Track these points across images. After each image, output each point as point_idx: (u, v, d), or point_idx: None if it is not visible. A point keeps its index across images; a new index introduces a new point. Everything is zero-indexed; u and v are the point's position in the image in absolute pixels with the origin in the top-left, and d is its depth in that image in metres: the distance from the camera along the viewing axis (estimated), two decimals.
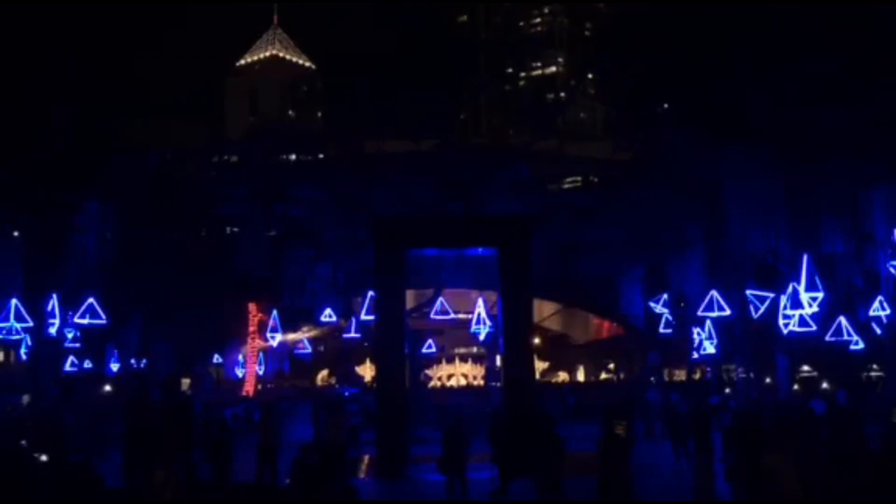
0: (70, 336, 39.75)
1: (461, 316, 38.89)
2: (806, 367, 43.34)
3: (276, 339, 43.72)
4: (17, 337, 35.32)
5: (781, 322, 31.04)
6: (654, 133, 30.62)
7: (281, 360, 48.81)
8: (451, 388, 49.53)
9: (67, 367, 42.84)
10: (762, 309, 32.37)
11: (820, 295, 28.14)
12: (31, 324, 33.53)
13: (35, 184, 34.85)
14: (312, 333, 47.65)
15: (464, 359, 52.37)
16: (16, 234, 36.31)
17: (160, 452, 14.55)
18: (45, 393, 35.55)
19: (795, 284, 28.57)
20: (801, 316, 29.30)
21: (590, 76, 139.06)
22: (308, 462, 13.57)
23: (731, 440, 14.56)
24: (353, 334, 36.25)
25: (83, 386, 41.17)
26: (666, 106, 30.10)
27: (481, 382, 46.58)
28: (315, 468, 13.38)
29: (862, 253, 29.45)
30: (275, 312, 41.77)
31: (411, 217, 29.05)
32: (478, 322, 37.79)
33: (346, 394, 37.01)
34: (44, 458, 16.16)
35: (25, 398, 36.85)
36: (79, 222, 36.57)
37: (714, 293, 31.78)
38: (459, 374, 52.15)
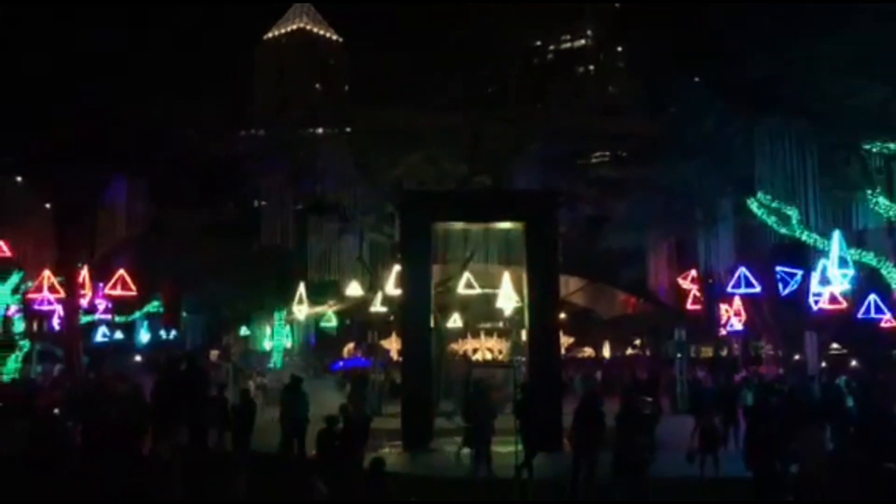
0: (102, 307, 40.37)
1: (487, 290, 38.82)
2: (835, 345, 42.89)
3: (304, 313, 43.98)
4: (49, 307, 35.94)
5: (812, 299, 30.67)
6: (685, 106, 30.19)
7: (307, 333, 49.15)
8: (477, 362, 49.63)
9: (98, 338, 43.53)
10: (792, 285, 32.02)
11: (851, 272, 27.73)
12: (63, 295, 34.05)
13: (66, 158, 35.21)
14: (338, 306, 47.87)
15: (489, 333, 52.42)
16: (48, 206, 36.76)
17: (170, 423, 14.83)
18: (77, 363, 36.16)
19: (825, 261, 28.19)
20: (830, 293, 28.93)
21: (619, 49, 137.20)
22: (334, 433, 13.72)
23: (756, 415, 14.52)
24: (379, 308, 36.36)
25: (113, 356, 41.81)
26: (697, 79, 29.66)
27: (506, 357, 46.68)
28: (341, 439, 13.52)
29: (894, 229, 28.93)
30: (301, 285, 41.98)
31: (438, 191, 28.99)
32: (504, 297, 37.68)
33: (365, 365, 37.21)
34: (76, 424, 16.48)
35: (58, 368, 37.54)
36: (109, 195, 36.93)
37: (743, 269, 31.45)
38: (485, 348, 52.22)
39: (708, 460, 15.40)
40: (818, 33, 23.76)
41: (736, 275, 31.39)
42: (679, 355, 32.48)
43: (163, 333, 48.15)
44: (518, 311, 32.82)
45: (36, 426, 15.58)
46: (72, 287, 34.97)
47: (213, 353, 49.17)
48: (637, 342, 55.95)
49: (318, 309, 46.31)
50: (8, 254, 33.12)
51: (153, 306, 46.39)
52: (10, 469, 14.04)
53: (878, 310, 29.42)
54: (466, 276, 32.95)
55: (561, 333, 26.66)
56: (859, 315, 29.86)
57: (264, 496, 10.43)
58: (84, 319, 39.31)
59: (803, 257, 31.08)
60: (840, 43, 23.61)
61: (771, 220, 28.41)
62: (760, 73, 25.42)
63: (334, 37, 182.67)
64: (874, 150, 26.69)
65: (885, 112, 24.82)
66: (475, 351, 50.74)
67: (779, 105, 25.47)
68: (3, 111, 34.62)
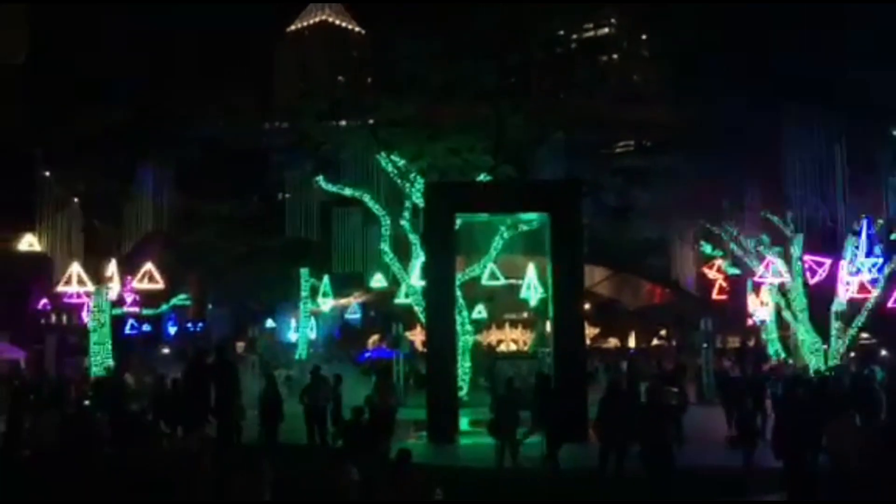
0: (129, 300, 40.81)
1: (512, 281, 38.78)
2: (864, 334, 42.35)
3: (328, 304, 44.21)
4: (78, 301, 36.38)
5: (840, 288, 30.34)
6: (710, 94, 29.90)
7: (332, 325, 49.43)
8: (502, 353, 49.64)
9: (127, 330, 44.05)
10: (820, 274, 31.66)
11: (880, 261, 27.44)
12: (91, 287, 34.45)
13: (94, 152, 35.56)
14: (363, 298, 48.07)
15: (514, 324, 52.41)
16: (75, 200, 37.18)
17: (197, 417, 14.95)
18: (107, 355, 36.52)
19: (855, 250, 27.89)
20: (859, 282, 28.62)
21: (643, 37, 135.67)
22: (360, 425, 13.77)
23: (785, 406, 14.39)
24: (403, 299, 36.44)
25: (141, 348, 42.29)
26: (723, 67, 29.36)
27: (531, 348, 46.64)
28: (368, 430, 13.58)
29: None
30: (326, 277, 42.20)
31: (461, 182, 28.95)
32: (528, 287, 37.65)
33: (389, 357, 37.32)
34: (105, 415, 16.66)
35: (87, 361, 37.99)
36: (135, 190, 37.28)
37: (770, 258, 31.13)
38: (509, 339, 52.24)
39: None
40: (847, 21, 23.44)
41: (763, 263, 31.07)
42: (705, 345, 32.25)
43: (189, 326, 48.64)
44: (543, 302, 32.72)
45: (66, 418, 15.78)
46: (100, 280, 35.34)
47: (239, 345, 49.60)
48: (663, 332, 55.62)
49: (343, 301, 46.54)
50: (38, 248, 33.60)
51: (180, 299, 46.84)
52: (42, 462, 14.23)
53: None
54: (491, 267, 32.91)
55: (586, 324, 26.56)
56: (889, 304, 29.51)
57: (295, 485, 10.49)
58: (112, 312, 39.74)
59: (832, 246, 30.75)
60: (869, 30, 23.27)
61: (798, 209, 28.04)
62: (789, 61, 25.12)
63: (356, 28, 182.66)
64: None
65: None
66: (500, 342, 50.78)
67: (807, 93, 25.16)
68: (32, 106, 35.04)
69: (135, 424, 13.90)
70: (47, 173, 36.77)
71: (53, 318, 44.58)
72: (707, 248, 36.03)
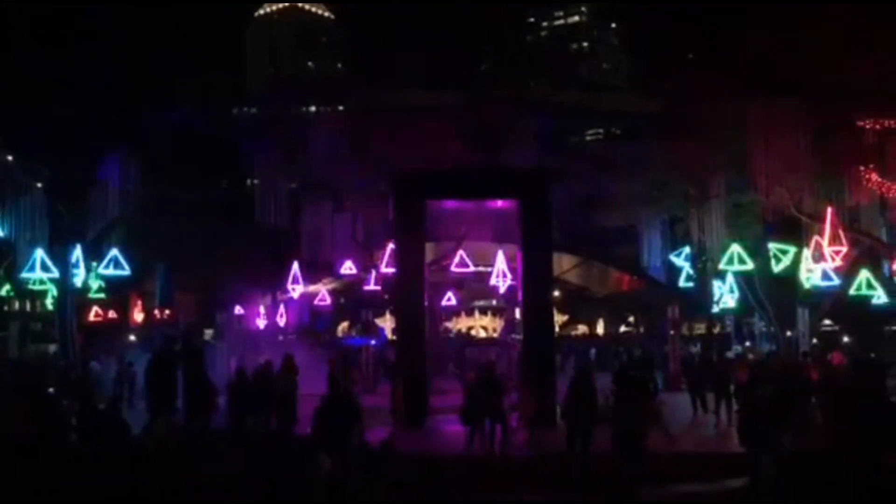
0: (95, 286, 40.27)
1: (481, 269, 38.88)
2: (827, 321, 43.17)
3: (297, 292, 43.98)
4: (42, 287, 35.84)
5: (803, 276, 30.83)
6: (679, 84, 30.16)
7: (301, 313, 49.16)
8: (471, 339, 49.79)
9: (92, 318, 43.48)
10: (784, 262, 32.14)
11: (843, 249, 27.92)
12: (56, 274, 33.94)
13: (59, 136, 34.98)
14: (332, 286, 47.90)
15: (483, 311, 52.58)
16: (39, 185, 36.55)
17: (165, 403, 14.89)
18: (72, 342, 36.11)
19: (818, 238, 28.37)
20: (823, 270, 29.11)
21: (613, 25, 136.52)
22: (330, 412, 13.76)
23: (744, 392, 14.64)
24: (372, 286, 36.39)
25: (107, 335, 41.81)
26: (691, 56, 29.65)
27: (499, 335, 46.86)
28: (338, 418, 13.56)
29: (886, 206, 29.13)
30: (295, 265, 41.98)
31: (431, 169, 28.92)
32: (498, 275, 37.77)
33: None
34: (72, 404, 16.50)
35: (52, 347, 37.52)
36: (101, 174, 36.72)
37: (736, 246, 31.54)
38: (479, 326, 52.41)
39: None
40: (813, 9, 23.75)
41: (728, 251, 31.46)
42: (672, 332, 32.67)
43: (156, 313, 48.11)
44: (512, 289, 32.90)
45: (34, 407, 15.58)
46: (65, 266, 34.85)
47: (207, 333, 49.20)
48: (631, 319, 56.18)
49: (312, 288, 46.31)
50: (0, 234, 33.03)
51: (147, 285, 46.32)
52: (9, 451, 14.04)
53: (870, 286, 29.63)
54: (460, 254, 33.01)
55: (555, 311, 26.77)
56: (851, 292, 30.07)
57: (265, 473, 10.48)
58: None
59: (796, 234, 31.24)
60: (835, 19, 23.62)
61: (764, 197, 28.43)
62: (756, 51, 25.42)
63: (326, 13, 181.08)
64: (867, 126, 26.78)
65: (878, 88, 24.87)
66: (470, 329, 50.95)
67: (773, 82, 25.49)
68: None
69: (105, 413, 13.78)
70: (10, 157, 36.11)
71: (17, 304, 43.92)
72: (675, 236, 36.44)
